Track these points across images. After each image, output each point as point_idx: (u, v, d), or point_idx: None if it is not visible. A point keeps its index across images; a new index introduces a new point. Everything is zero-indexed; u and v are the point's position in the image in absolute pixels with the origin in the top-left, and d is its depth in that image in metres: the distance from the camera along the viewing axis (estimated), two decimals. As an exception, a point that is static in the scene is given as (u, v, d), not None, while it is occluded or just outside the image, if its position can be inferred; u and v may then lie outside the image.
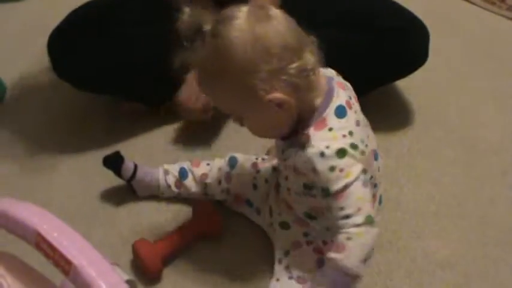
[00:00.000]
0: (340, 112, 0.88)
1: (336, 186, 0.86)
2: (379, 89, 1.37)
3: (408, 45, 1.28)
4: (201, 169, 1.17)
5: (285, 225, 1.06)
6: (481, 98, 1.48)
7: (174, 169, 1.19)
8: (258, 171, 1.14)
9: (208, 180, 1.16)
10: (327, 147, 0.85)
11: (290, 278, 1.01)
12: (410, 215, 1.19)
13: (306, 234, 1.04)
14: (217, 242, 1.13)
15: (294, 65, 0.83)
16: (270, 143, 1.17)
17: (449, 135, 1.37)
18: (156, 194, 1.21)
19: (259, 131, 0.94)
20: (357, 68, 1.28)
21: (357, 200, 0.88)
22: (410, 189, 1.25)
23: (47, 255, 0.56)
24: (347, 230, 0.87)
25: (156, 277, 1.07)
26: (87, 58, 1.25)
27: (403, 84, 1.46)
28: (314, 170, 0.86)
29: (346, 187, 0.86)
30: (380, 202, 1.04)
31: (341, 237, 0.88)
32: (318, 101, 0.89)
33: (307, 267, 1.02)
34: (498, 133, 1.38)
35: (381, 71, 1.32)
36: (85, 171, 1.31)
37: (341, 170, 0.86)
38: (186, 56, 0.86)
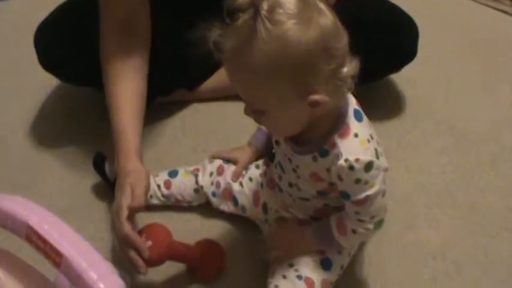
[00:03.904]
0: (358, 115, 0.87)
1: (358, 196, 0.87)
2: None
3: (397, 41, 1.28)
4: (194, 167, 1.18)
5: (282, 222, 1.05)
6: (470, 89, 1.49)
7: (163, 173, 1.18)
8: (245, 171, 1.14)
9: (200, 172, 1.16)
10: (357, 160, 0.83)
11: (299, 278, 0.96)
12: (401, 205, 1.19)
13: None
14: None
15: (345, 69, 0.80)
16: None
17: (438, 126, 1.38)
18: None
19: (275, 128, 0.90)
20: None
21: (374, 209, 0.89)
22: (400, 180, 1.25)
23: (37, 248, 0.56)
24: (355, 227, 0.91)
25: (153, 265, 1.00)
26: (73, 50, 1.24)
27: (392, 77, 1.46)
28: (340, 178, 0.86)
29: (367, 198, 0.87)
30: None
31: (348, 224, 0.91)
32: (342, 105, 0.87)
33: (313, 269, 0.98)
34: (487, 123, 1.39)
35: (369, 66, 1.31)
36: (76, 167, 1.30)
37: (366, 183, 0.86)
38: (226, 34, 0.78)
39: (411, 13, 1.31)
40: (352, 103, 0.88)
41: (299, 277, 0.96)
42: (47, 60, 1.28)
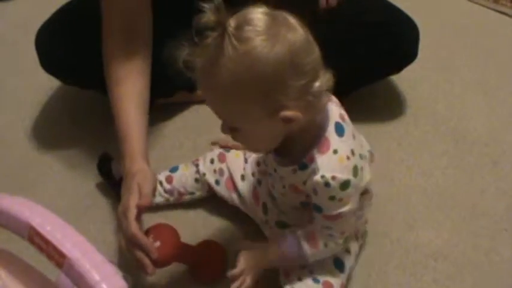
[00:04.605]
0: (339, 129, 0.86)
1: (330, 212, 0.88)
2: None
3: (398, 43, 1.28)
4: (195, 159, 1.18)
5: (282, 225, 1.04)
6: (470, 90, 1.49)
7: (165, 171, 1.19)
8: (246, 162, 1.13)
9: (201, 161, 1.16)
10: (333, 178, 0.83)
11: (316, 281, 0.96)
12: (402, 207, 1.20)
13: None
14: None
15: (317, 84, 0.79)
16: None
17: (439, 128, 1.38)
18: None
19: (251, 144, 0.90)
20: (346, 64, 1.29)
21: (344, 225, 0.90)
22: (401, 182, 1.25)
23: (40, 249, 0.56)
24: (326, 241, 0.91)
25: (161, 266, 0.99)
26: (74, 52, 1.25)
27: (393, 78, 1.46)
28: (315, 192, 0.86)
29: (339, 214, 0.87)
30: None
31: (319, 238, 0.91)
32: (319, 119, 0.86)
33: (329, 271, 0.98)
34: (487, 124, 1.39)
35: (370, 68, 1.32)
36: (78, 168, 1.31)
37: (340, 200, 0.86)
38: (195, 53, 0.78)
39: (412, 15, 1.32)
40: (334, 116, 0.87)
41: (316, 280, 0.96)
42: (48, 61, 1.29)
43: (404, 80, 1.47)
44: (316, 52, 0.80)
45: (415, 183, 1.25)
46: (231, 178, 1.13)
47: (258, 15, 0.77)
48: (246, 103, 0.78)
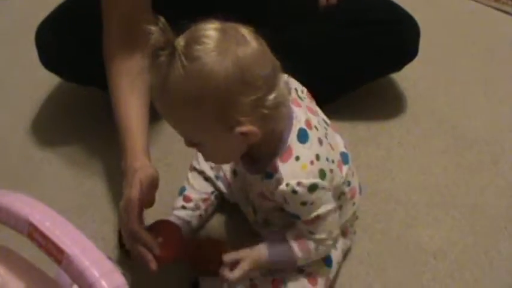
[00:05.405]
0: (303, 136, 0.85)
1: (307, 217, 0.87)
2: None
3: (398, 41, 1.28)
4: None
5: (269, 223, 1.03)
6: (471, 89, 1.49)
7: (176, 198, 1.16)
8: None
9: (195, 162, 1.15)
10: (298, 183, 0.83)
11: (300, 271, 0.97)
12: (402, 205, 1.19)
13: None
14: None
15: (271, 97, 0.78)
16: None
17: (439, 126, 1.38)
18: None
19: (214, 157, 0.90)
20: (347, 62, 1.29)
21: (328, 224, 0.90)
22: (402, 180, 1.25)
23: (39, 245, 0.56)
24: (316, 245, 0.91)
25: (164, 262, 0.98)
26: (74, 49, 1.25)
27: (393, 76, 1.46)
28: (286, 201, 0.86)
29: (318, 217, 0.87)
30: (360, 191, 1.03)
31: (308, 243, 0.91)
32: (281, 128, 0.85)
33: (317, 264, 0.98)
34: (488, 122, 1.39)
35: (371, 65, 1.32)
36: (78, 165, 1.31)
37: (312, 203, 0.86)
38: (149, 72, 0.79)
39: (412, 13, 1.32)
40: (299, 123, 0.86)
41: (300, 271, 0.97)
42: (48, 58, 1.28)
43: (404, 78, 1.46)
44: (270, 64, 0.79)
45: (415, 181, 1.25)
46: (225, 174, 1.13)
47: (207, 31, 0.76)
48: (200, 120, 0.78)
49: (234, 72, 0.75)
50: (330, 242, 0.92)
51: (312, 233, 0.90)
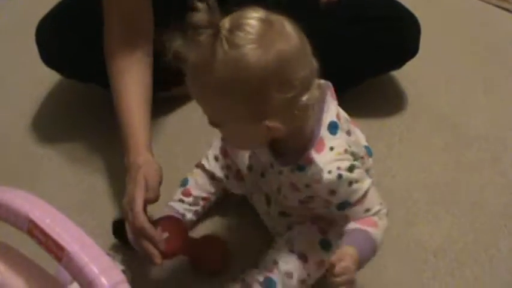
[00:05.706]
0: (333, 128, 0.86)
1: (357, 196, 0.87)
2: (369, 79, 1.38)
3: (399, 38, 1.28)
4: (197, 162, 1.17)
5: (285, 214, 1.03)
6: (472, 87, 1.49)
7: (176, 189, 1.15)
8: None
9: (205, 161, 1.14)
10: (338, 168, 0.84)
11: (291, 251, 0.97)
12: (402, 202, 1.19)
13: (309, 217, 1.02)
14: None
15: (304, 98, 0.79)
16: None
17: (439, 123, 1.38)
18: None
19: (234, 141, 0.92)
20: (347, 59, 1.29)
21: (375, 196, 0.90)
22: (402, 178, 1.25)
23: (39, 242, 0.56)
24: (375, 219, 0.89)
25: (168, 257, 0.99)
26: (75, 46, 1.25)
27: (394, 74, 1.46)
28: (333, 192, 0.86)
29: (366, 193, 0.88)
30: None
31: (369, 219, 0.89)
32: (309, 126, 0.86)
33: (309, 245, 0.98)
34: (488, 120, 1.39)
35: (371, 62, 1.32)
36: (78, 162, 1.31)
37: (357, 181, 0.87)
38: (185, 49, 0.78)
39: (413, 10, 1.32)
40: (330, 115, 0.87)
41: (292, 251, 0.97)
42: (49, 55, 1.29)
43: (405, 75, 1.46)
44: (309, 65, 0.79)
45: (416, 179, 1.25)
46: (239, 171, 1.11)
47: (252, 20, 0.76)
48: (230, 106, 0.79)
49: (272, 68, 0.75)
50: (384, 211, 0.90)
51: (368, 210, 0.89)
